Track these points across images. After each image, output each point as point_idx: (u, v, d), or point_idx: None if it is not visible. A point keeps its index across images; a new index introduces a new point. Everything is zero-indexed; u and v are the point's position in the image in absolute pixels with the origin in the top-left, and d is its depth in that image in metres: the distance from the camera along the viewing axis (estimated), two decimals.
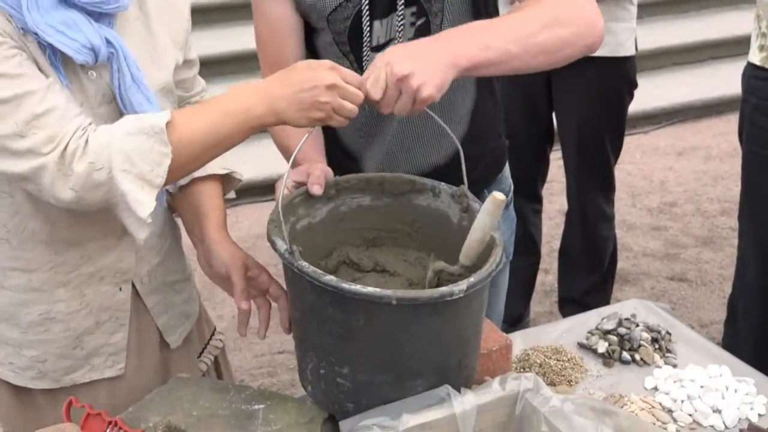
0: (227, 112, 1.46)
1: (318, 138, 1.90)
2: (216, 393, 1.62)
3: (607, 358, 1.88)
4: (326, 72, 1.45)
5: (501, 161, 2.09)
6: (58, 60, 1.46)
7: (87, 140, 1.40)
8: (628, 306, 2.09)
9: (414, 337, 1.41)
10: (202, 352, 1.92)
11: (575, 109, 3.25)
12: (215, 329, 1.99)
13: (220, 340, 1.97)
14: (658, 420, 1.69)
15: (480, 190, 1.89)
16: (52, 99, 1.41)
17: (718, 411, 1.72)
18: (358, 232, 1.70)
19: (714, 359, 1.88)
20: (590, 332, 1.95)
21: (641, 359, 1.87)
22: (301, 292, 1.47)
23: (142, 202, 1.42)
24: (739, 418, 1.70)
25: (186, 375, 1.72)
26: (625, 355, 1.87)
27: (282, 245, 1.45)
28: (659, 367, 1.86)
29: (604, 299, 3.48)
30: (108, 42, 1.48)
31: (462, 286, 1.37)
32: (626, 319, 1.96)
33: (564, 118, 3.33)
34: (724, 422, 1.69)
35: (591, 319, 2.02)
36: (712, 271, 4.19)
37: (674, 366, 1.86)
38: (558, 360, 1.84)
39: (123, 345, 1.71)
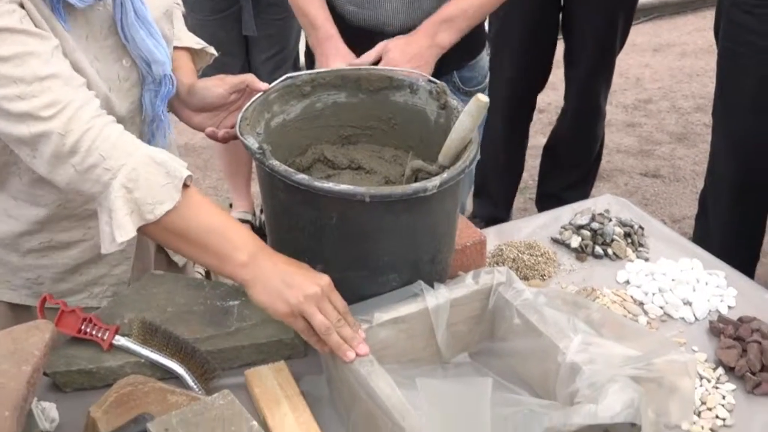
0: (218, 246, 1.37)
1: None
2: (191, 290, 1.63)
3: (580, 253, 1.90)
4: (317, 284, 1.36)
5: (478, 48, 2.11)
6: (59, 3, 1.38)
7: (103, 130, 1.34)
8: (601, 201, 2.10)
9: (387, 233, 1.41)
10: None
11: None
12: None
13: None
14: (629, 312, 1.72)
15: (449, 72, 2.04)
16: (56, 64, 1.34)
17: (688, 303, 1.74)
18: (334, 129, 1.69)
19: (685, 253, 1.90)
20: (563, 227, 1.97)
21: (614, 253, 1.89)
22: (272, 191, 1.46)
23: (124, 227, 1.35)
24: (709, 310, 1.73)
25: (160, 272, 1.72)
26: (598, 249, 1.89)
27: (253, 143, 1.43)
28: (631, 261, 1.88)
29: (584, 196, 3.49)
30: None
31: (435, 182, 1.37)
32: (599, 214, 1.97)
33: (577, 5, 3.25)
34: (694, 314, 1.72)
35: (564, 214, 2.03)
36: (686, 167, 4.22)
37: (646, 260, 1.88)
38: (531, 255, 1.85)
39: (125, 278, 1.70)
